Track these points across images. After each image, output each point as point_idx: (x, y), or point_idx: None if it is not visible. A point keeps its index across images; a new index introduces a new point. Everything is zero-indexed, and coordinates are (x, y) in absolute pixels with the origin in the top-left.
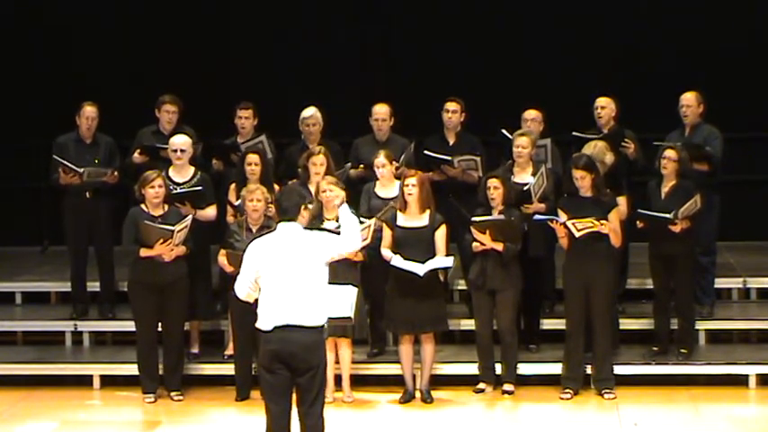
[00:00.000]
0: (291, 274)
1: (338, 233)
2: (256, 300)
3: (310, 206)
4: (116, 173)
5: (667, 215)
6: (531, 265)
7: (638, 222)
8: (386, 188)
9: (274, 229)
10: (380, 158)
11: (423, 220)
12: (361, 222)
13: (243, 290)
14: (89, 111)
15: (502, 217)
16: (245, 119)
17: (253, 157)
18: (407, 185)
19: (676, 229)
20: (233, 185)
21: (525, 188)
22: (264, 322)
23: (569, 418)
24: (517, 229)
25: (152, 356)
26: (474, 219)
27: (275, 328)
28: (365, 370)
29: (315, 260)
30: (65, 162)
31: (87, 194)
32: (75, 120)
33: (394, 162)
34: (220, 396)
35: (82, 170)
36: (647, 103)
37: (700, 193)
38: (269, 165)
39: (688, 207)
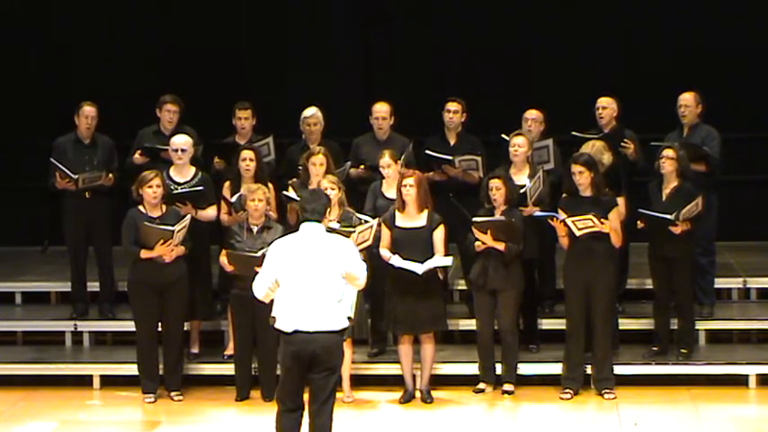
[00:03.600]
0: (315, 277)
1: (342, 233)
2: (271, 300)
3: None
4: (111, 175)
5: (669, 216)
6: (533, 266)
7: (638, 222)
8: (392, 188)
9: (297, 230)
10: (386, 159)
11: (421, 220)
12: (365, 222)
13: (262, 290)
14: (88, 110)
15: (502, 218)
16: (245, 119)
17: (247, 153)
18: (405, 186)
19: (677, 230)
20: (228, 183)
21: (522, 191)
22: (285, 323)
23: (569, 418)
24: (518, 230)
25: (152, 356)
26: (475, 219)
27: (296, 331)
28: (365, 370)
29: (337, 264)
30: (61, 167)
31: (87, 195)
32: (74, 120)
33: (398, 161)
34: (220, 396)
35: (76, 176)
36: (646, 103)
37: (701, 196)
38: (263, 162)
39: (690, 209)
